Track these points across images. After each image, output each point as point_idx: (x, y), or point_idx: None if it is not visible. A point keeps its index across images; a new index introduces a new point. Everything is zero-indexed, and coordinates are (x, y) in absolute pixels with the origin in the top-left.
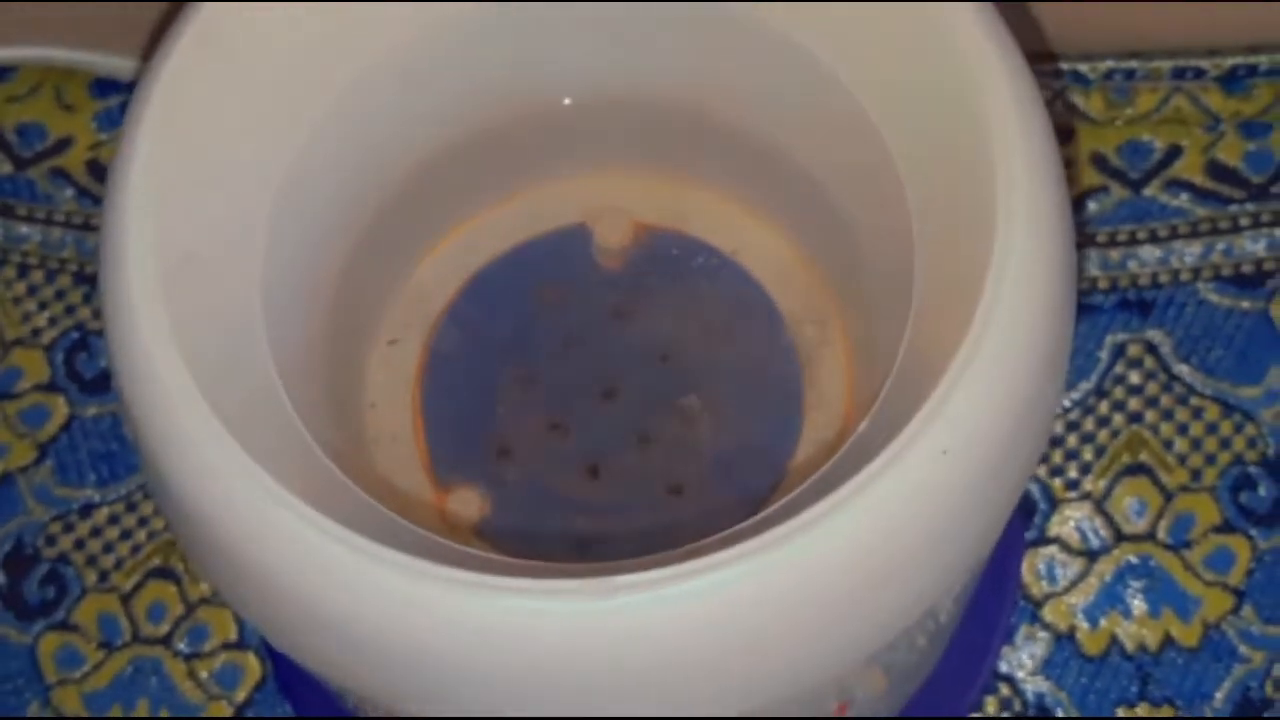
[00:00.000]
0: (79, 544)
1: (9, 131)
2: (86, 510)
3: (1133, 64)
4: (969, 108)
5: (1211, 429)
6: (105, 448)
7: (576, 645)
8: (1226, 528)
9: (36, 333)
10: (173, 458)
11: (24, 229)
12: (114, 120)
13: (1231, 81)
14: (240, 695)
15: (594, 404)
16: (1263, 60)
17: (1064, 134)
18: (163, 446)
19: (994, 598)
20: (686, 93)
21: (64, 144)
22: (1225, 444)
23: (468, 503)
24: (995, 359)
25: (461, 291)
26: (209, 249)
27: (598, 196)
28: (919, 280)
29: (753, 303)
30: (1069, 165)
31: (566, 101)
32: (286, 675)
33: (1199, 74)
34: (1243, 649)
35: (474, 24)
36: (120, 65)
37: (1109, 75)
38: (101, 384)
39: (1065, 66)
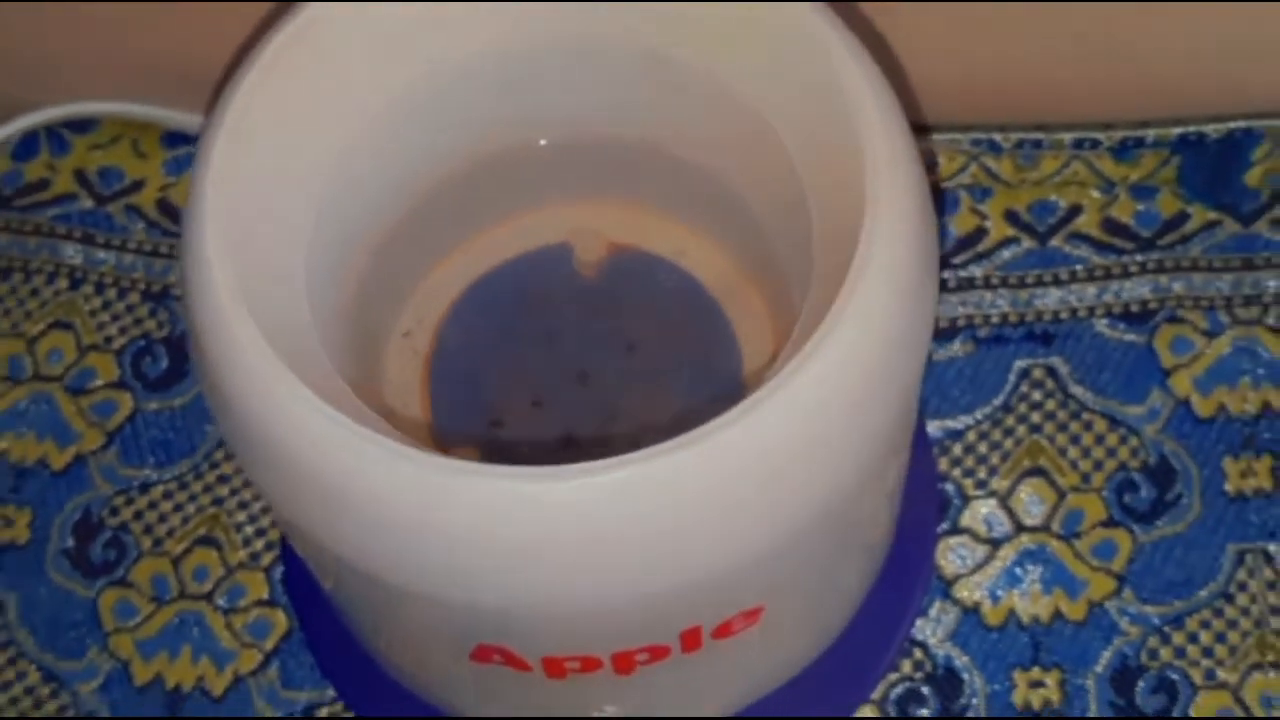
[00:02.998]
0: (137, 515)
1: (91, 173)
2: (145, 488)
3: (1038, 135)
4: (847, 122)
5: (1100, 440)
6: (163, 436)
7: (546, 516)
8: (1111, 523)
9: (109, 340)
10: (236, 378)
11: (101, 254)
12: (181, 166)
13: (1122, 151)
14: (269, 644)
15: (571, 386)
16: (1150, 133)
17: (981, 192)
18: (227, 370)
19: (909, 577)
20: (638, 133)
21: (138, 185)
22: (1112, 453)
23: (464, 459)
24: (867, 304)
25: (463, 294)
26: (265, 234)
27: (577, 220)
28: (817, 261)
29: (698, 299)
30: (985, 219)
31: (542, 142)
32: (310, 628)
33: (1095, 144)
34: (1122, 624)
35: (466, 74)
36: (187, 120)
37: (1019, 144)
38: (161, 384)
39: (981, 136)
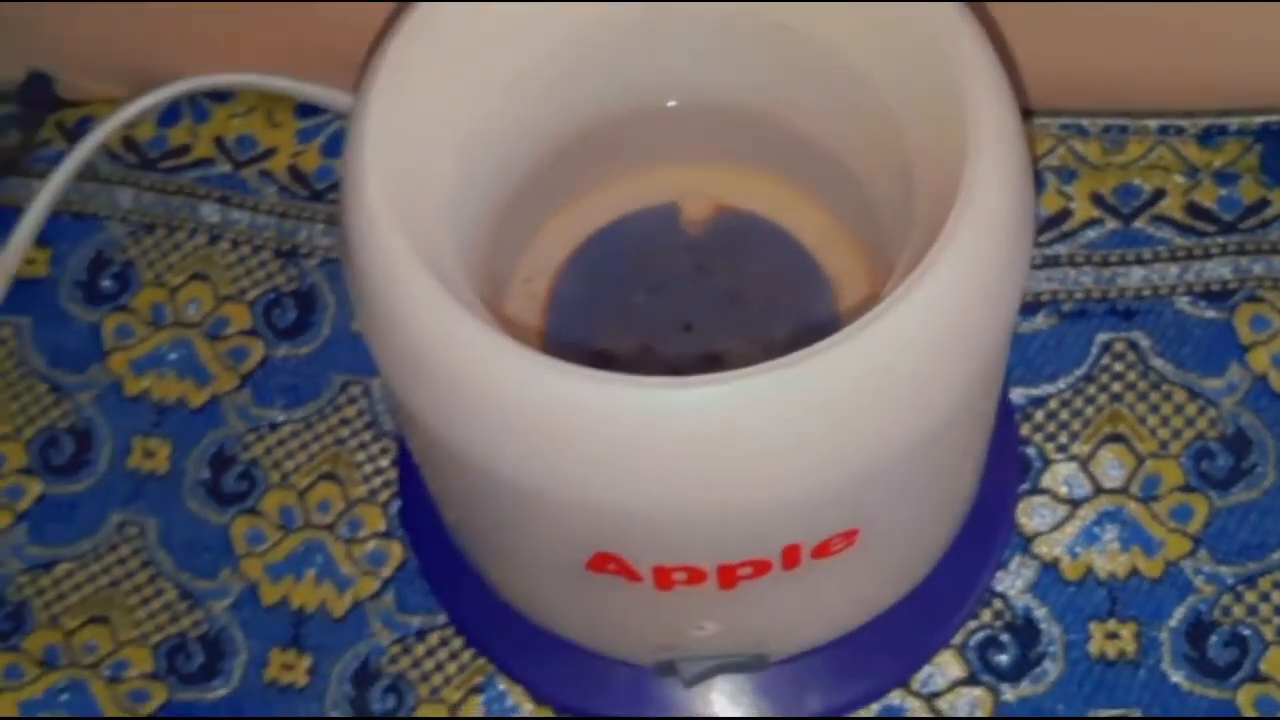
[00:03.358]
0: (267, 451)
1: (229, 140)
2: (273, 426)
3: (1125, 121)
4: (956, 90)
5: (1179, 410)
6: (290, 381)
7: (666, 422)
8: (1188, 488)
9: (243, 291)
10: (391, 291)
11: (236, 214)
12: (310, 136)
13: (1206, 138)
14: (385, 572)
15: (676, 333)
16: (1233, 121)
17: (1068, 174)
18: (383, 284)
19: (990, 532)
20: (753, 100)
21: (270, 151)
22: (1190, 422)
23: None
24: (967, 243)
25: (580, 247)
26: (415, 179)
27: (686, 180)
28: (916, 221)
29: (799, 256)
30: (1071, 200)
31: (671, 103)
32: (424, 558)
33: (1179, 131)
34: (1197, 582)
35: (604, 38)
36: (318, 93)
37: (1106, 129)
38: (290, 333)
39: (1070, 120)
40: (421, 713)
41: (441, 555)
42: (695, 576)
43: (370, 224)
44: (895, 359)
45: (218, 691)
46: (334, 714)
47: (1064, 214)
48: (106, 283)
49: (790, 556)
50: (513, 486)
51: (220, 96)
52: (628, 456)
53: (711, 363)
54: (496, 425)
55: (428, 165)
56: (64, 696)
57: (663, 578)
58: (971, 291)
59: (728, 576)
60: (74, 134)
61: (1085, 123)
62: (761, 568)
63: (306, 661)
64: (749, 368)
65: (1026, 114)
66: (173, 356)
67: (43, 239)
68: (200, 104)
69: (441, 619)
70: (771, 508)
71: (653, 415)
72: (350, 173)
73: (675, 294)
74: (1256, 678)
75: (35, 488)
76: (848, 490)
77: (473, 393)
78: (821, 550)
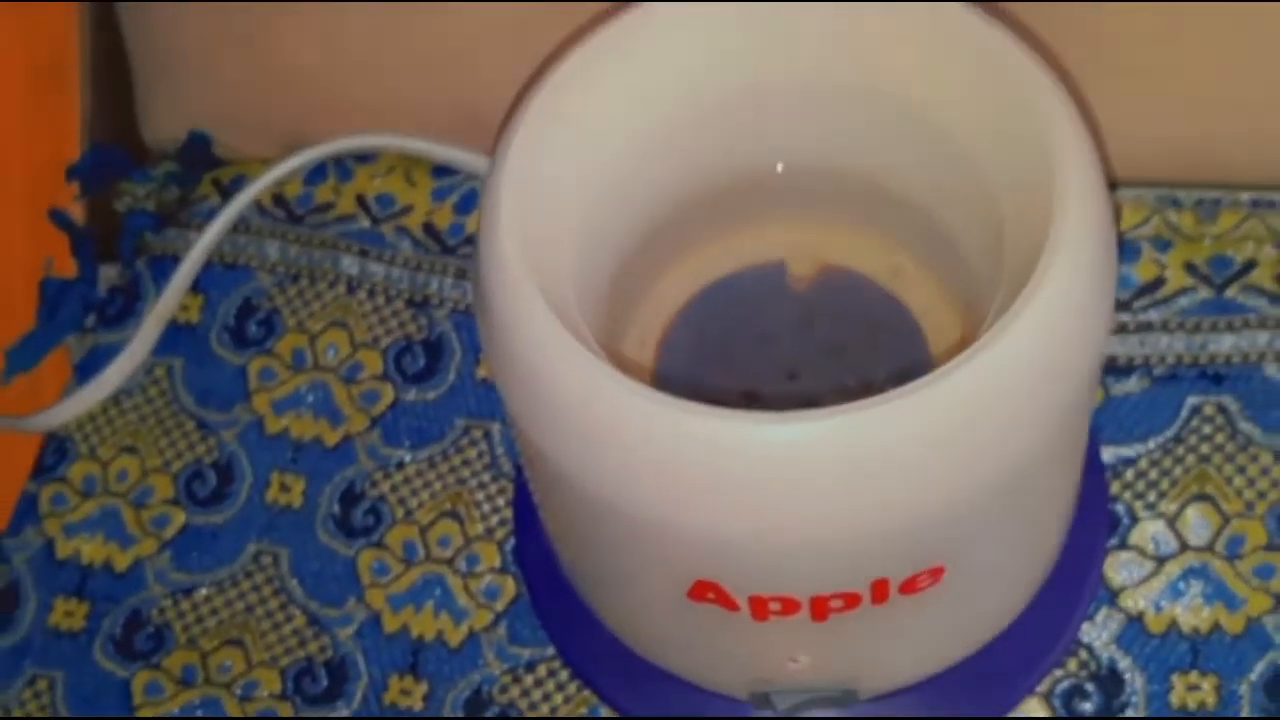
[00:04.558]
0: (394, 489)
1: (369, 198)
2: (400, 466)
3: (1218, 194)
4: (1045, 153)
5: (1265, 472)
6: (417, 424)
7: (765, 455)
8: (1272, 547)
9: (376, 339)
10: (525, 342)
11: (374, 266)
12: (444, 195)
13: None
14: (499, 606)
15: (780, 381)
16: None
17: (1162, 244)
18: (517, 337)
19: (1078, 583)
20: (857, 163)
21: (407, 209)
22: (1276, 484)
23: None
24: (1051, 294)
25: (691, 300)
26: (544, 234)
27: (793, 239)
28: (1007, 274)
29: (897, 312)
30: (1164, 268)
31: (779, 167)
32: (535, 594)
33: (1271, 204)
34: (1277, 638)
35: (717, 106)
36: (452, 154)
37: (1199, 201)
38: (418, 379)
39: (1164, 192)
40: None
41: (551, 592)
42: (789, 607)
43: (504, 273)
44: (980, 402)
45: (340, 713)
46: None
47: (1158, 282)
48: (253, 328)
49: (879, 591)
50: (624, 515)
51: (363, 158)
52: (731, 487)
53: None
54: (614, 458)
55: (556, 222)
56: (199, 713)
57: (759, 608)
58: (1054, 341)
59: (820, 608)
60: (229, 190)
61: (1179, 194)
62: (852, 600)
63: (423, 688)
64: (843, 405)
65: (1122, 185)
66: (310, 398)
67: (197, 286)
68: (344, 164)
69: (549, 651)
70: (861, 540)
71: (755, 448)
72: (486, 227)
73: (780, 345)
74: None
75: (180, 517)
76: (933, 527)
77: (594, 429)
78: (909, 586)
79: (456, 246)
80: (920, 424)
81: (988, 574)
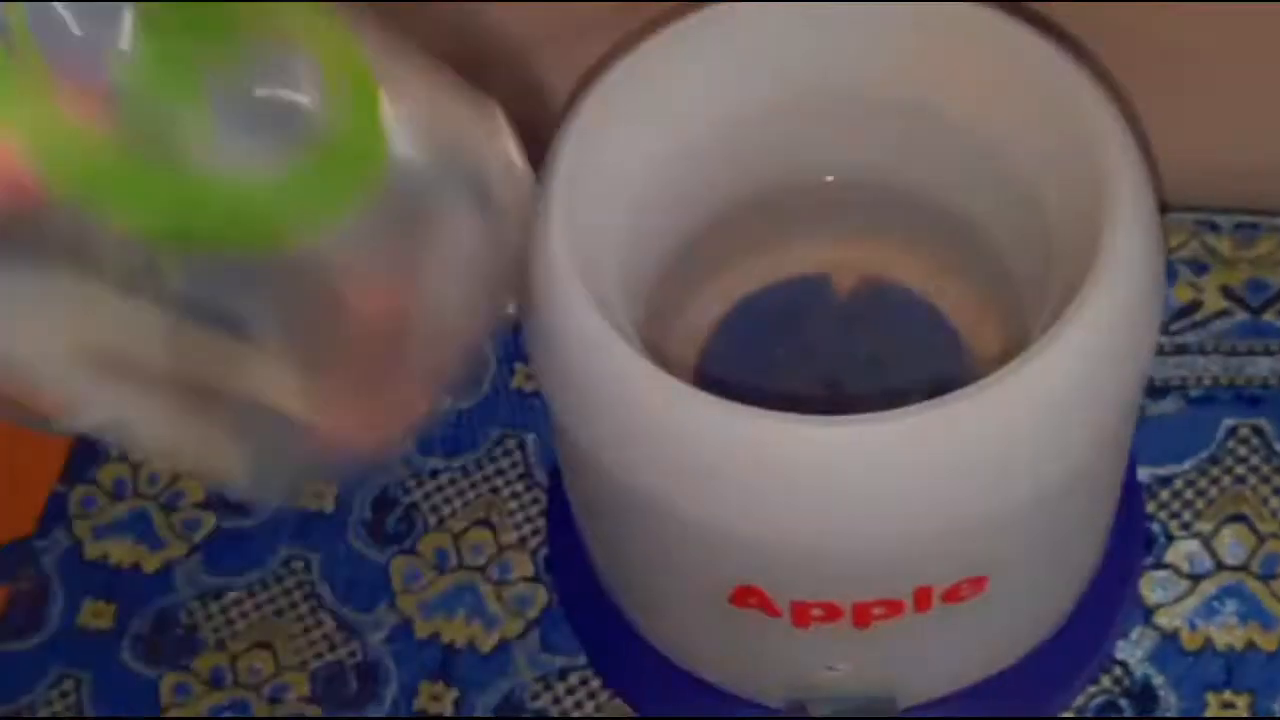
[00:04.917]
0: (427, 496)
1: None
2: (434, 473)
3: (1256, 219)
4: (1096, 171)
5: None
6: (452, 432)
7: (810, 456)
8: None
9: None
10: (573, 341)
11: None
12: None
13: None
14: (531, 614)
15: (821, 389)
16: None
17: (1199, 267)
18: (566, 335)
19: (1114, 600)
20: (905, 176)
21: None
22: None
23: None
24: (1099, 313)
25: (736, 307)
26: (593, 236)
27: (836, 251)
28: (1052, 291)
29: (939, 326)
30: (1201, 291)
31: (828, 179)
32: (568, 602)
33: None
34: None
35: (768, 115)
36: None
37: (1238, 226)
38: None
39: (1204, 217)
40: None
41: (584, 601)
42: (831, 613)
43: (553, 275)
44: (1026, 414)
45: (370, 717)
46: None
47: (1195, 304)
48: None
49: (922, 598)
50: (667, 515)
51: None
52: (776, 489)
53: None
54: (658, 457)
55: (605, 224)
56: (227, 714)
57: (801, 614)
58: (1098, 357)
59: (862, 615)
60: None
61: (1218, 219)
62: (894, 608)
63: (453, 694)
64: (890, 411)
65: (1163, 209)
66: None
67: None
68: None
69: (581, 660)
70: (905, 546)
71: (802, 450)
72: (537, 228)
73: (821, 355)
74: None
75: (210, 521)
76: (977, 535)
77: (638, 427)
78: (951, 595)
79: None
80: (967, 432)
81: (1028, 585)
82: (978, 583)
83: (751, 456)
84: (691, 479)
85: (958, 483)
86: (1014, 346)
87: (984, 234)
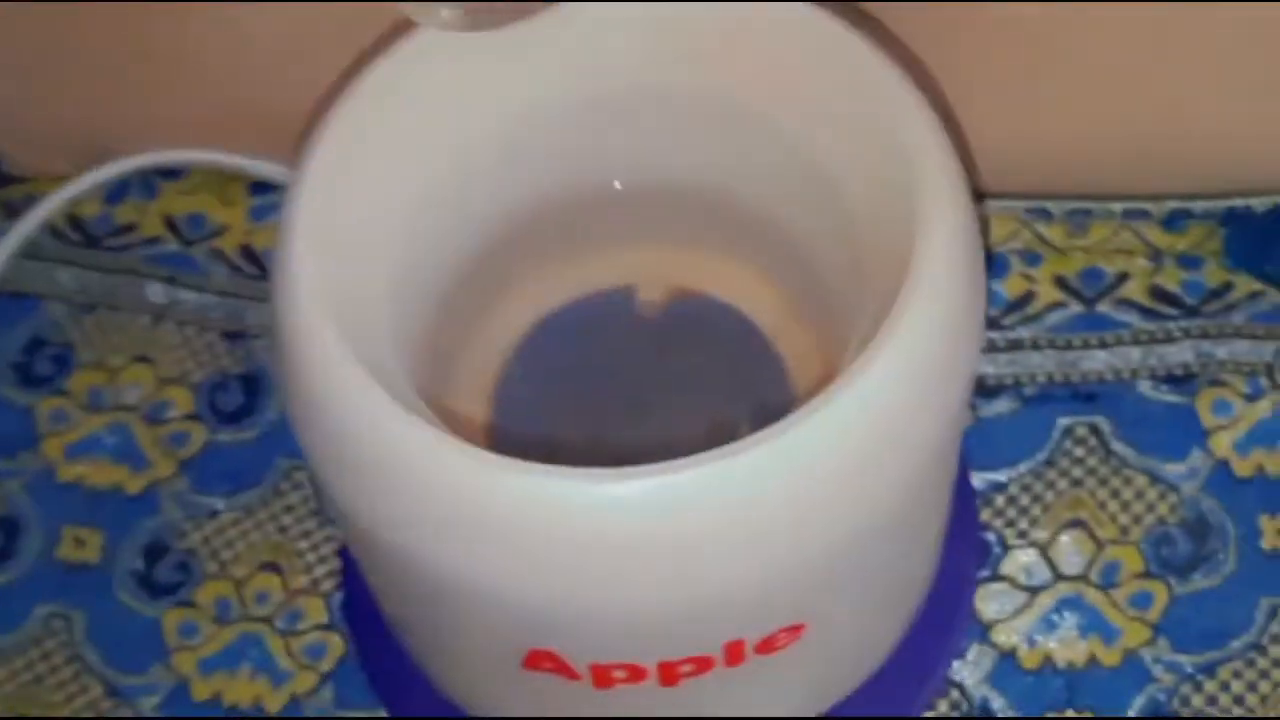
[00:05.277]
0: (205, 540)
1: (179, 218)
2: (213, 514)
3: (1089, 204)
4: (907, 172)
5: (1139, 495)
6: (233, 467)
7: (598, 516)
8: (1148, 574)
9: (186, 373)
10: (323, 389)
11: (183, 294)
12: (264, 214)
13: (1171, 221)
14: (325, 666)
15: (630, 419)
16: (1198, 205)
17: (1032, 258)
18: (314, 382)
19: (948, 620)
20: (705, 179)
21: (222, 230)
22: (1151, 508)
23: None
24: (913, 329)
25: (530, 332)
26: (351, 261)
27: (641, 262)
28: (868, 304)
29: (755, 341)
30: (1034, 283)
31: (617, 185)
32: (365, 651)
33: (1144, 214)
34: (1156, 671)
35: (546, 117)
36: (272, 170)
37: (1070, 213)
38: (234, 417)
39: (1033, 204)
40: None
41: (383, 648)
42: (635, 674)
43: (299, 308)
44: (844, 444)
45: None
46: None
47: (1027, 297)
48: (43, 365)
49: (733, 653)
50: (449, 583)
51: (170, 173)
52: (562, 550)
53: (664, 451)
54: (427, 520)
55: (365, 247)
56: None
57: (601, 676)
58: (919, 375)
59: (669, 674)
60: (17, 209)
61: (1049, 206)
62: (704, 664)
63: None
64: (690, 458)
65: (990, 196)
66: (110, 441)
67: None
68: (150, 181)
69: (381, 715)
70: (715, 603)
71: (588, 509)
72: (281, 253)
73: (629, 379)
74: None
75: None
76: (795, 583)
77: (403, 487)
78: (766, 646)
79: None
80: (778, 474)
81: (853, 623)
82: (794, 630)
83: (530, 518)
84: (470, 545)
85: (770, 531)
86: (833, 356)
87: (793, 238)
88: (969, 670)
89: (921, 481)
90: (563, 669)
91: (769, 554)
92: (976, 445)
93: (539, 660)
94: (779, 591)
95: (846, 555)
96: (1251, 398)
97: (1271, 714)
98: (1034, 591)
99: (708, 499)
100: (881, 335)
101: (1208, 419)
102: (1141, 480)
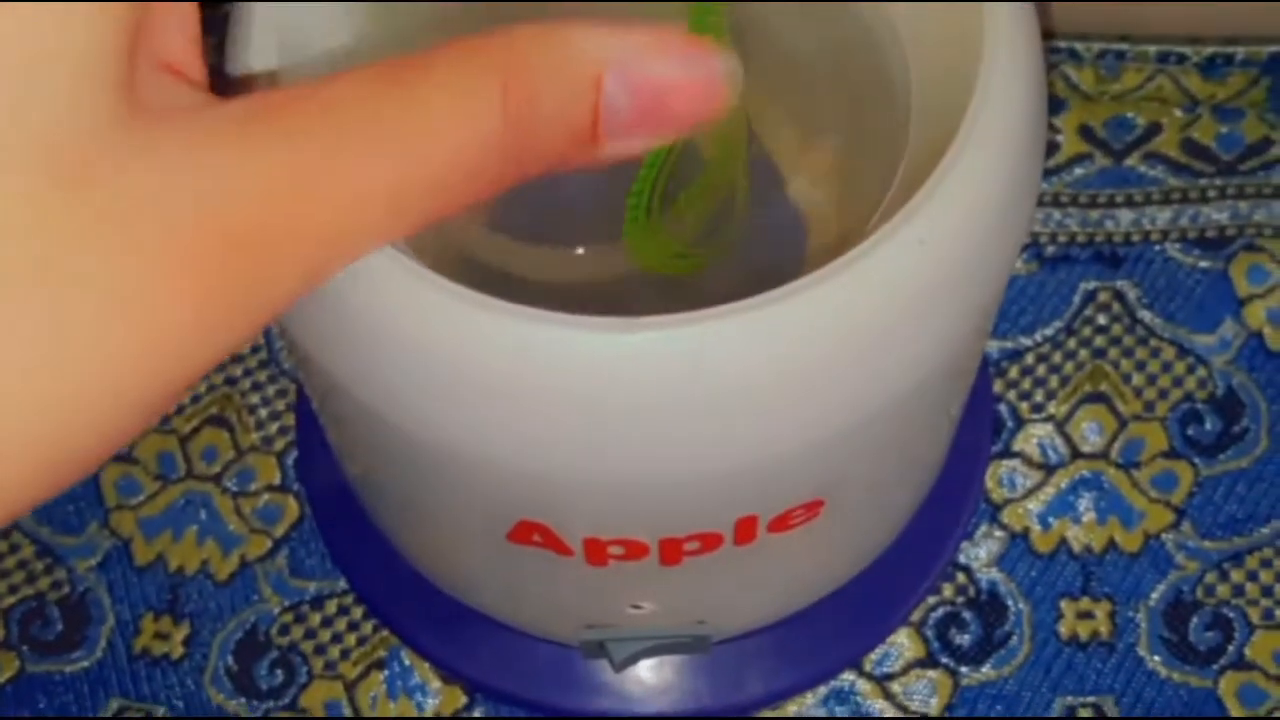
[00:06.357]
0: None
1: None
2: None
3: (1123, 46)
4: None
5: (1167, 368)
6: None
7: (606, 370)
8: (1173, 454)
9: None
10: None
11: None
12: None
13: (1210, 68)
14: (279, 531)
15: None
16: (1239, 51)
17: (1056, 104)
18: None
19: (955, 499)
20: None
21: None
22: (1178, 382)
23: None
24: (968, 174)
25: None
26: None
27: None
28: (913, 139)
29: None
30: (1058, 133)
31: None
32: (323, 516)
33: (1181, 59)
34: (1179, 558)
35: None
36: None
37: (1101, 55)
38: None
39: (1063, 44)
40: (314, 689)
41: (343, 512)
42: (634, 551)
43: None
44: (893, 294)
45: (79, 664)
46: (213, 689)
47: (1050, 148)
48: None
49: (744, 530)
50: (421, 443)
51: None
52: (561, 410)
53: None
54: (404, 370)
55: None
56: None
57: (596, 552)
58: (978, 227)
59: (671, 552)
60: None
61: (1079, 47)
62: (711, 542)
63: (184, 630)
64: (708, 309)
65: None
66: None
67: None
68: None
69: (341, 585)
70: (728, 475)
71: (592, 362)
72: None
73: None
74: (1240, 664)
75: None
76: (825, 454)
77: (374, 331)
78: (779, 524)
79: None
80: (817, 328)
81: (870, 501)
82: (812, 507)
83: (525, 371)
84: (446, 399)
85: (801, 394)
86: (850, 213)
87: (807, 60)
88: (976, 552)
89: (963, 346)
90: (553, 543)
91: (800, 419)
92: None
93: (527, 533)
94: (806, 463)
95: (877, 426)
96: None
97: None
98: (1049, 470)
99: (733, 355)
100: (937, 177)
101: (1242, 286)
102: (1169, 352)
